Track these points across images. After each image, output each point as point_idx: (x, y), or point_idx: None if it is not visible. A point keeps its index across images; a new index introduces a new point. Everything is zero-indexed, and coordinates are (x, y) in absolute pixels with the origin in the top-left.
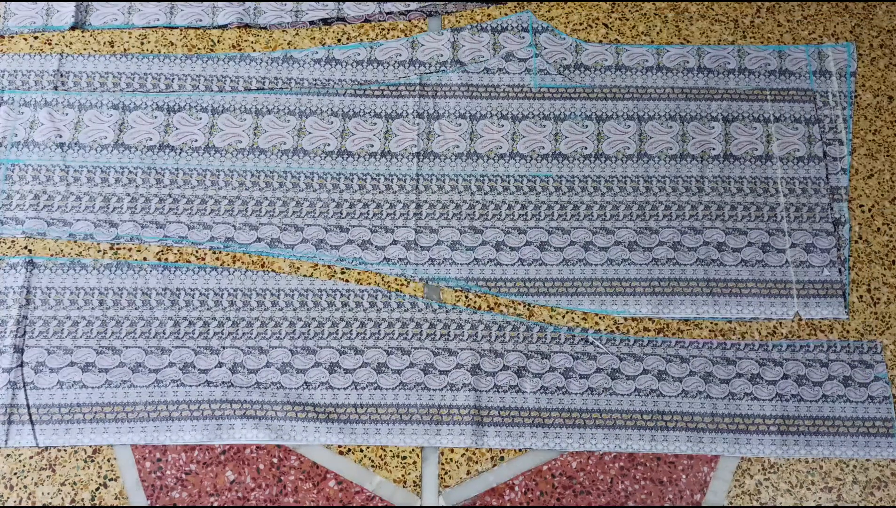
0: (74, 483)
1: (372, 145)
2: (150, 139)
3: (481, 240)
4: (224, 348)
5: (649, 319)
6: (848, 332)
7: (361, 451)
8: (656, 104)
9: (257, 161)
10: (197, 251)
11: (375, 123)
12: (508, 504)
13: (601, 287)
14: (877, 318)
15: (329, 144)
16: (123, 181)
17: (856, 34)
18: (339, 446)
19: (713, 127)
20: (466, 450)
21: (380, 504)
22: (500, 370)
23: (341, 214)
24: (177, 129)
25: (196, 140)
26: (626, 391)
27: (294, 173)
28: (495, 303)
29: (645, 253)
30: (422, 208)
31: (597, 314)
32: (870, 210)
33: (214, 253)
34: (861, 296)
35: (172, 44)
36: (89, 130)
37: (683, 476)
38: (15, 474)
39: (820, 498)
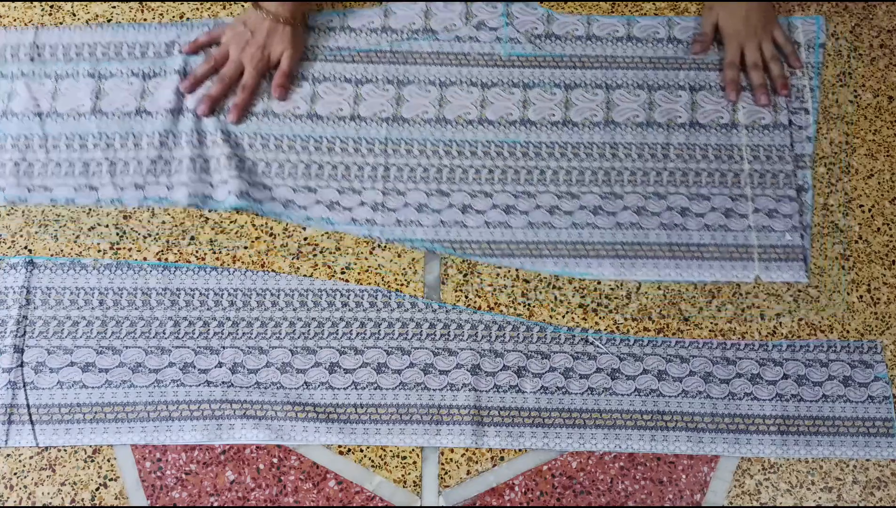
0: (74, 483)
1: (342, 110)
2: (127, 105)
3: (448, 203)
4: (224, 348)
5: (649, 318)
6: (848, 332)
7: (361, 451)
8: (625, 73)
9: (228, 123)
10: (196, 251)
11: (345, 88)
12: (508, 505)
13: (565, 250)
14: (877, 318)
15: (299, 108)
16: (102, 147)
17: (856, 34)
18: (339, 446)
19: (680, 96)
20: (466, 450)
21: (380, 504)
22: (501, 369)
23: (310, 175)
24: (152, 94)
25: (170, 102)
26: (626, 391)
27: (264, 135)
28: (495, 303)
29: (609, 217)
30: (390, 171)
31: (595, 314)
32: (870, 210)
33: (214, 253)
34: (861, 296)
35: (145, 19)
36: (66, 98)
37: (683, 476)
38: (15, 474)
39: (820, 498)
